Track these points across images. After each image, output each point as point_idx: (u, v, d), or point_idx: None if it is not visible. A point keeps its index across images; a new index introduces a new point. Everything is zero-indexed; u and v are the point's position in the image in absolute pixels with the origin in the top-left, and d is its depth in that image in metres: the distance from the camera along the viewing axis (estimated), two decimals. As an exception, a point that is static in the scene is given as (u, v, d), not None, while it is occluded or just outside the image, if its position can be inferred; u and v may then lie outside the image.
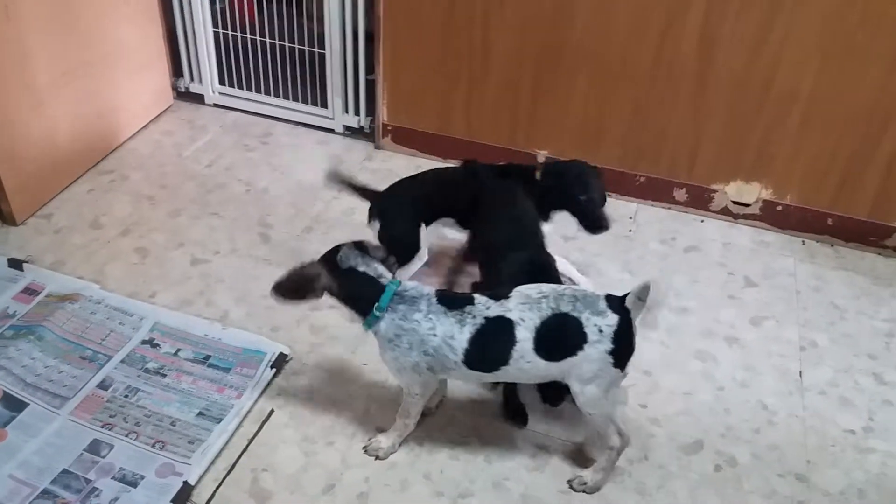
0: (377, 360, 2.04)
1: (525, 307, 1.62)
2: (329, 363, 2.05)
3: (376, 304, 1.63)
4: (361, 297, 1.65)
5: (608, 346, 1.60)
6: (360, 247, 1.69)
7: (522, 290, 1.66)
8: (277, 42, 2.98)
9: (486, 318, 1.62)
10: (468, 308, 1.63)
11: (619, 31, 2.52)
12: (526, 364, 1.63)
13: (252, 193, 2.69)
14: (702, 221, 2.73)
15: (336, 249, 1.69)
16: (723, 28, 2.41)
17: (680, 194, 2.75)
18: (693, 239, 2.64)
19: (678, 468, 1.86)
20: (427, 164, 2.95)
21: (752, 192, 2.67)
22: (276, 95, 3.09)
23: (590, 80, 2.65)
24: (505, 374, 1.68)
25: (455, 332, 1.62)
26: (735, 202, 2.71)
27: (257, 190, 2.71)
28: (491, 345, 1.63)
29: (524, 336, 1.60)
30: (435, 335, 1.63)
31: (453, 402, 1.97)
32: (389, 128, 2.98)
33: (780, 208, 2.66)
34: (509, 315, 1.61)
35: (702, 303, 2.35)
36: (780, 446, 1.93)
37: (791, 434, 1.97)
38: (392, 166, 2.91)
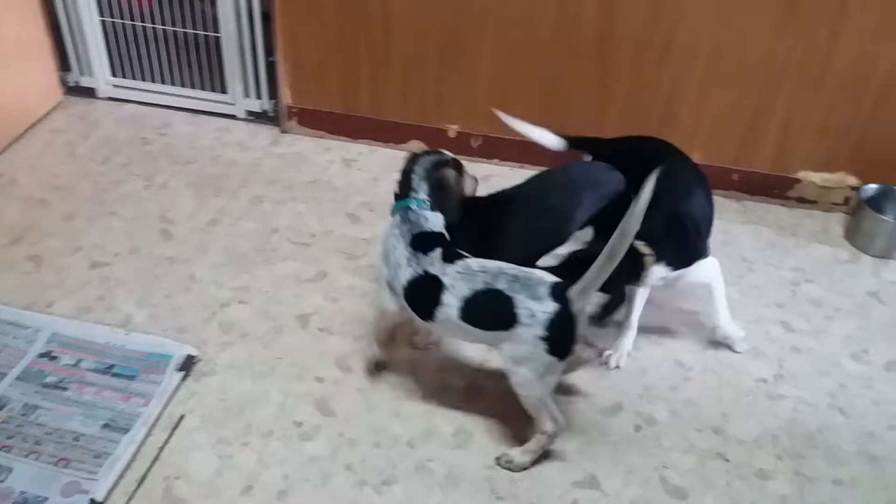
0: (292, 353, 2.01)
1: (460, 276, 1.66)
2: (241, 361, 1.99)
3: (394, 204, 1.81)
4: (398, 190, 1.83)
5: (540, 331, 1.59)
6: (437, 163, 1.81)
7: (469, 261, 1.68)
8: (170, 28, 2.85)
9: (425, 271, 1.69)
10: (419, 254, 1.71)
11: (518, -3, 2.49)
12: (453, 326, 1.68)
13: (151, 189, 2.58)
14: (613, 185, 2.74)
15: (430, 153, 1.84)
16: (619, -11, 2.41)
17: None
18: (605, 203, 2.65)
19: (598, 433, 1.87)
20: (336, 145, 2.88)
21: (659, 153, 2.69)
22: (173, 84, 2.97)
23: (494, 50, 2.61)
24: (438, 328, 1.75)
25: (402, 265, 1.72)
26: (644, 163, 2.73)
27: (157, 185, 2.60)
28: (420, 296, 1.71)
29: (450, 301, 1.65)
30: (394, 254, 1.74)
31: (372, 387, 1.93)
32: (294, 110, 2.89)
33: (686, 166, 2.69)
34: (443, 278, 1.67)
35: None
36: (697, 401, 1.97)
37: (706, 388, 2.01)
38: (300, 149, 2.83)
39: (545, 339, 1.60)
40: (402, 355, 2.02)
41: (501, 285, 1.62)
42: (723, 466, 1.80)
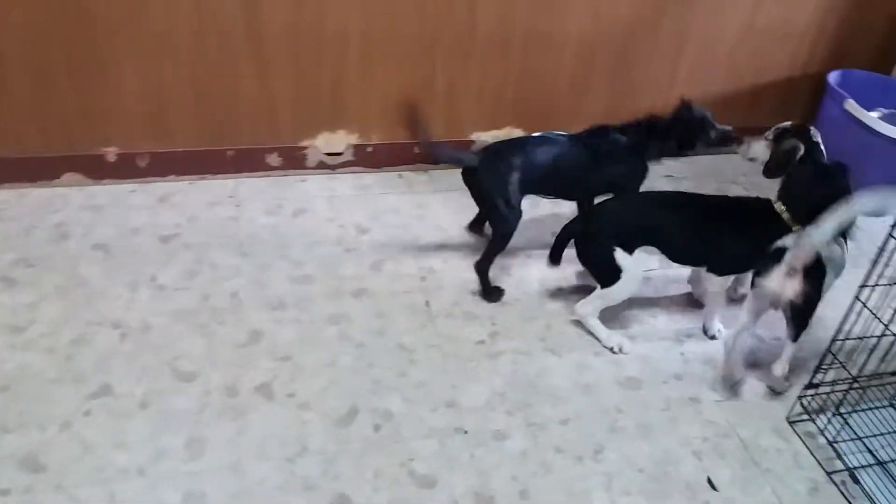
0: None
1: None
2: None
3: None
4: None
5: None
6: None
7: None
8: None
9: None
10: None
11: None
12: None
13: None
14: (303, 181, 2.66)
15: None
16: (255, -21, 2.29)
17: (273, 159, 2.64)
18: (299, 201, 2.56)
19: (338, 445, 1.79)
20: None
21: (340, 141, 2.66)
22: None
23: (135, 60, 2.36)
24: None
25: None
26: (328, 154, 2.68)
27: None
28: None
29: None
30: None
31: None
32: None
33: (370, 149, 2.69)
34: None
35: (322, 265, 2.30)
36: (426, 381, 1.97)
37: (432, 365, 2.02)
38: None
39: None
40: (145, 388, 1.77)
41: None
42: (463, 439, 1.83)
